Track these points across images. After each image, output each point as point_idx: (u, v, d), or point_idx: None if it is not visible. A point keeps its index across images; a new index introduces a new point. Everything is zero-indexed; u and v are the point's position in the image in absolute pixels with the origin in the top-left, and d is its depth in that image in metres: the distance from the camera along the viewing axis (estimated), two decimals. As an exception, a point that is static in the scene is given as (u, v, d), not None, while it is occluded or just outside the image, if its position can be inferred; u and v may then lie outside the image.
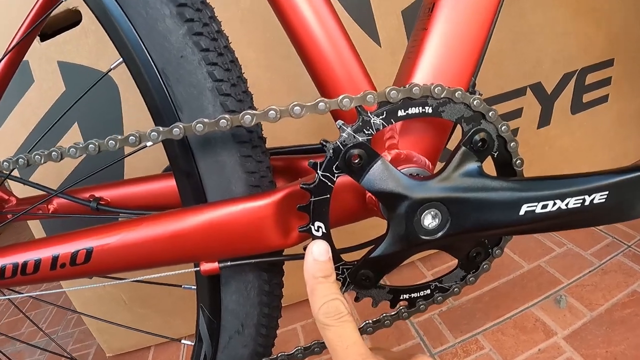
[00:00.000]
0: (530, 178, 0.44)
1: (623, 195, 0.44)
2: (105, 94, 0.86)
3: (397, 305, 0.49)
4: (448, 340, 0.87)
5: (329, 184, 0.39)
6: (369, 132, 0.39)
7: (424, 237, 0.42)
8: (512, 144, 0.43)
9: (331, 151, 0.39)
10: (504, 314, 0.89)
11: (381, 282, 0.47)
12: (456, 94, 0.40)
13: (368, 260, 0.44)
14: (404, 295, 0.49)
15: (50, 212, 0.63)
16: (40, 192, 0.66)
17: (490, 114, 0.41)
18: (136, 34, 0.42)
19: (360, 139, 0.38)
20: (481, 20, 0.44)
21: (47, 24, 0.80)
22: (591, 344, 0.79)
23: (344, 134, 0.39)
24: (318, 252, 0.40)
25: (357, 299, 0.47)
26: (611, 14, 1.10)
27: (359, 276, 0.45)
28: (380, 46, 0.90)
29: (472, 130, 0.42)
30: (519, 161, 0.44)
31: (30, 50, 0.66)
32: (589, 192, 0.43)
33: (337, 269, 0.44)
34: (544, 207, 0.42)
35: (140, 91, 0.44)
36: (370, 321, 0.50)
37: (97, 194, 0.60)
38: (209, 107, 0.42)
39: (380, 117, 0.38)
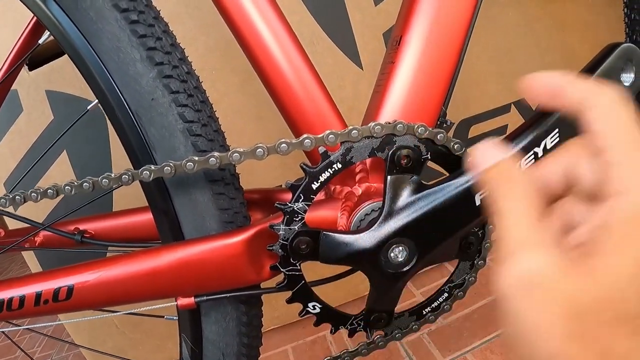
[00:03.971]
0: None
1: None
2: (93, 122, 0.87)
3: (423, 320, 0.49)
4: (437, 359, 0.87)
5: (298, 275, 0.42)
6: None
7: (404, 269, 0.41)
8: (439, 136, 0.40)
9: (280, 250, 0.41)
10: (492, 332, 0.88)
11: (396, 311, 0.47)
12: (352, 133, 0.38)
13: (370, 309, 0.46)
14: (427, 309, 0.49)
15: (37, 244, 0.64)
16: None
17: (397, 128, 0.39)
18: (110, 78, 0.43)
19: (296, 228, 0.40)
20: (449, 53, 0.45)
21: (35, 53, 0.81)
22: (580, 359, 0.79)
23: (280, 232, 0.40)
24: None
25: (386, 335, 0.49)
26: (596, 25, 1.08)
27: (373, 321, 0.46)
28: (362, 69, 0.90)
29: (389, 155, 0.39)
30: (456, 145, 0.41)
31: (19, 80, 0.67)
32: (534, 144, 0.37)
33: (351, 323, 0.46)
34: None
35: (116, 131, 0.45)
36: (364, 343, 0.50)
37: (82, 226, 0.61)
38: (180, 148, 0.43)
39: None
